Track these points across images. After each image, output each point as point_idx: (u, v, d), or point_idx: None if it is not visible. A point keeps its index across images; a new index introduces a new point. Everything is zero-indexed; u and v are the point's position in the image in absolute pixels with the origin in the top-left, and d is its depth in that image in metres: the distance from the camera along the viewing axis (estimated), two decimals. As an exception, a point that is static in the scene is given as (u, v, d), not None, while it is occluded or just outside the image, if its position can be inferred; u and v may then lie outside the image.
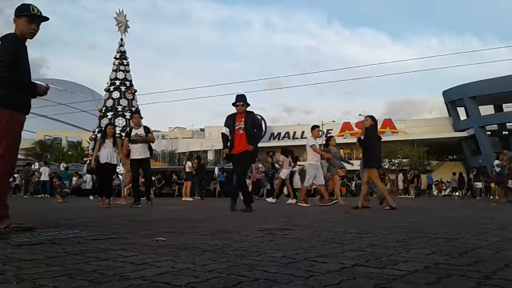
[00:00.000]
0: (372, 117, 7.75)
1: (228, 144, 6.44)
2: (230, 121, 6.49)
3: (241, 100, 6.48)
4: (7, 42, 3.13)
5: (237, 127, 6.39)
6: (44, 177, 18.97)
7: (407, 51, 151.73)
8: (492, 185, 19.38)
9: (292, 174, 11.83)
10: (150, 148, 8.48)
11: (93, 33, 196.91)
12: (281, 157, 11.93)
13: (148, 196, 8.97)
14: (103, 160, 7.82)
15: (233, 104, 6.53)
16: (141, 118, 8.67)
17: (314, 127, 9.59)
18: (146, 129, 8.40)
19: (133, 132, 8.34)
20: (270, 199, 11.72)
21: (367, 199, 8.12)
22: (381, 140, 8.08)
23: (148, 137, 8.33)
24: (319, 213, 6.30)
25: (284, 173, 11.33)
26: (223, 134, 6.54)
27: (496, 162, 13.68)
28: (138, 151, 8.20)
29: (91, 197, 13.70)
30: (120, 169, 15.97)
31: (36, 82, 3.37)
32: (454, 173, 27.00)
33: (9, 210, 3.17)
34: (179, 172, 19.44)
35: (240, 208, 6.37)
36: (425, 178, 27.09)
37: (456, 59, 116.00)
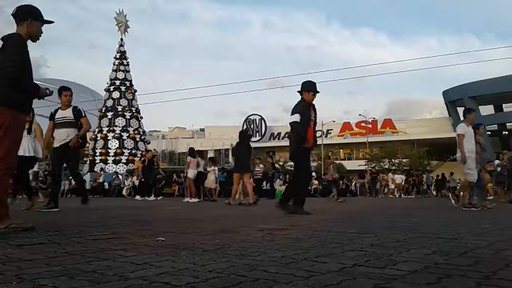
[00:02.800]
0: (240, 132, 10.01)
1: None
2: (307, 110, 5.55)
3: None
4: (17, 43, 3.13)
5: (312, 118, 5.61)
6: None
7: (407, 51, 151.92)
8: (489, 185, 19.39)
9: (203, 174, 12.81)
10: (83, 137, 6.66)
11: (93, 33, 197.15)
12: (188, 158, 12.71)
13: (85, 198, 7.05)
14: (19, 153, 5.99)
15: (315, 91, 5.65)
16: (71, 95, 6.53)
17: (469, 111, 7.69)
18: (76, 111, 6.50)
19: (59, 114, 6.50)
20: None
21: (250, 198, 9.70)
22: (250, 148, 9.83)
23: (81, 122, 6.50)
24: (319, 213, 6.29)
25: (191, 173, 11.95)
26: (296, 123, 5.48)
27: (497, 162, 13.65)
28: (62, 137, 6.35)
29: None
30: (120, 169, 15.92)
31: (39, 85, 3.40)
32: (452, 173, 26.99)
33: (9, 210, 3.17)
34: (179, 172, 19.45)
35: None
36: (424, 178, 27.10)
37: (456, 59, 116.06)
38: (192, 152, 12.78)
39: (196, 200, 11.68)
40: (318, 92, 5.72)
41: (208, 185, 13.02)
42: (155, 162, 15.30)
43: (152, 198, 13.68)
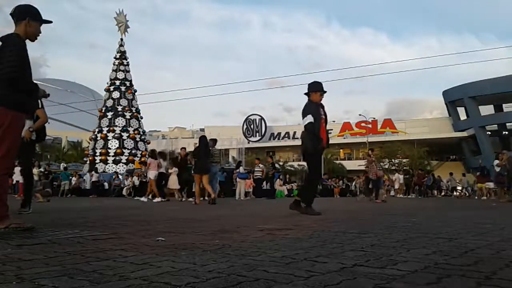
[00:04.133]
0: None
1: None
2: (319, 109, 5.58)
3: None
4: (16, 43, 3.13)
5: (323, 117, 5.62)
6: (17, 177, 18.64)
7: (406, 51, 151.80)
8: (480, 185, 19.35)
9: (165, 175, 13.08)
10: (40, 131, 5.69)
11: (93, 33, 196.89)
12: (148, 160, 13.11)
13: (27, 202, 5.74)
14: None
15: (322, 91, 5.68)
16: None
17: None
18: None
19: None
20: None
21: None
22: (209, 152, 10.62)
23: (37, 114, 5.44)
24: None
25: (151, 174, 12.29)
26: (311, 124, 5.48)
27: (496, 162, 13.66)
28: None
29: None
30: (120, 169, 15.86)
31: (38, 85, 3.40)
32: (451, 173, 27.01)
33: (9, 210, 3.17)
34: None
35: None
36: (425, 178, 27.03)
37: (456, 59, 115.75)
38: (153, 153, 13.46)
39: (159, 199, 11.92)
40: (325, 91, 5.72)
41: (170, 186, 13.47)
42: (188, 160, 13.95)
43: (186, 199, 12.97)
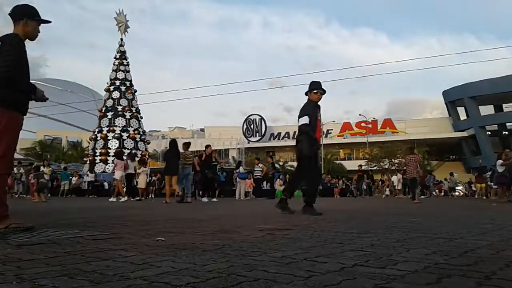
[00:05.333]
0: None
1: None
2: (315, 111, 5.62)
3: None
4: (14, 43, 3.13)
5: (319, 118, 5.67)
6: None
7: (406, 51, 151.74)
8: (479, 185, 19.33)
9: (133, 175, 13.64)
10: None
11: (93, 33, 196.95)
12: (115, 161, 13.77)
13: None
14: None
15: (320, 90, 5.68)
16: None
17: None
18: None
19: None
20: (205, 199, 12.86)
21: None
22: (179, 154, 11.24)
23: None
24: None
25: (118, 175, 12.87)
26: (306, 125, 5.52)
27: (500, 162, 13.50)
28: None
29: None
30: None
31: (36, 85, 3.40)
32: (451, 173, 27.04)
33: (8, 210, 3.17)
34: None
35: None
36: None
37: (456, 59, 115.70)
38: (119, 155, 14.24)
39: (125, 199, 12.41)
40: (324, 91, 5.72)
41: (140, 185, 14.15)
42: (214, 158, 13.86)
43: (206, 199, 12.73)
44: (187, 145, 12.27)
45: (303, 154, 5.65)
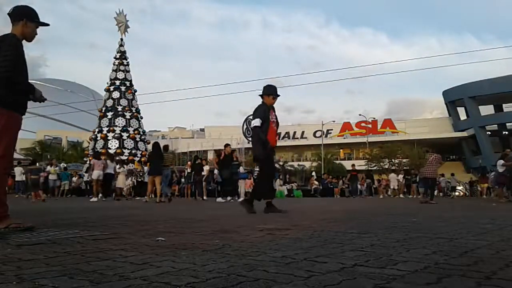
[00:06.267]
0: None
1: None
2: (268, 113, 5.80)
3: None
4: (12, 43, 3.14)
5: (272, 120, 5.85)
6: (18, 177, 18.62)
7: (406, 51, 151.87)
8: (483, 185, 19.32)
9: (111, 175, 14.05)
10: None
11: (93, 33, 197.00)
12: (92, 161, 14.29)
13: None
14: None
15: (275, 95, 5.91)
16: None
17: None
18: None
19: None
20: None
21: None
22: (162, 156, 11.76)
23: None
24: (319, 213, 6.30)
25: (95, 174, 13.27)
26: (258, 127, 5.71)
27: (501, 162, 13.46)
28: None
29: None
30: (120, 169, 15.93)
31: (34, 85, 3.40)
32: (452, 174, 27.03)
33: (8, 210, 3.17)
34: (180, 172, 19.41)
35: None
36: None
37: (456, 59, 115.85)
38: (97, 155, 14.81)
39: (96, 199, 12.82)
40: (278, 95, 5.96)
41: (118, 185, 14.84)
42: (234, 157, 13.49)
43: (229, 199, 12.69)
44: (166, 147, 12.69)
45: (257, 156, 5.94)
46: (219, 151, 13.95)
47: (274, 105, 6.01)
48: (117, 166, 15.30)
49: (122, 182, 14.89)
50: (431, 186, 12.22)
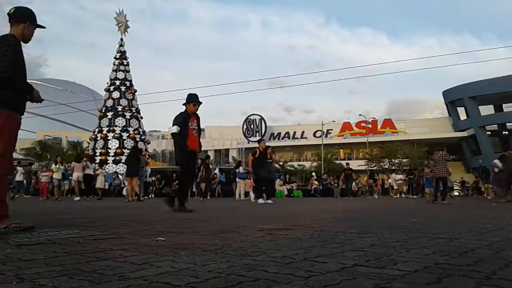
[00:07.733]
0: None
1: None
2: (187, 120, 6.25)
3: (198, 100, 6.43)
4: (11, 44, 3.14)
5: (191, 127, 6.28)
6: (18, 177, 18.71)
7: (406, 51, 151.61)
8: (487, 185, 19.31)
9: (91, 176, 14.99)
10: None
11: (93, 33, 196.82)
12: (72, 163, 15.24)
13: None
14: None
15: (195, 103, 6.32)
16: None
17: None
18: None
19: None
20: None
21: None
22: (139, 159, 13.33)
23: None
24: (319, 213, 6.30)
25: (75, 176, 14.29)
26: (175, 134, 6.20)
27: (497, 162, 13.52)
28: None
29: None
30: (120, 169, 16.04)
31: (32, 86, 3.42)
32: (449, 174, 27.01)
33: (8, 210, 3.17)
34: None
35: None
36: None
37: (456, 59, 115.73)
38: (77, 158, 16.08)
39: (78, 198, 13.60)
40: (200, 103, 6.38)
41: (98, 185, 15.77)
42: (269, 154, 11.65)
43: (262, 201, 10.81)
44: (140, 150, 14.56)
45: (178, 161, 6.52)
46: (254, 149, 11.66)
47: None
48: (96, 167, 16.50)
49: (101, 182, 15.95)
50: (443, 185, 11.65)
